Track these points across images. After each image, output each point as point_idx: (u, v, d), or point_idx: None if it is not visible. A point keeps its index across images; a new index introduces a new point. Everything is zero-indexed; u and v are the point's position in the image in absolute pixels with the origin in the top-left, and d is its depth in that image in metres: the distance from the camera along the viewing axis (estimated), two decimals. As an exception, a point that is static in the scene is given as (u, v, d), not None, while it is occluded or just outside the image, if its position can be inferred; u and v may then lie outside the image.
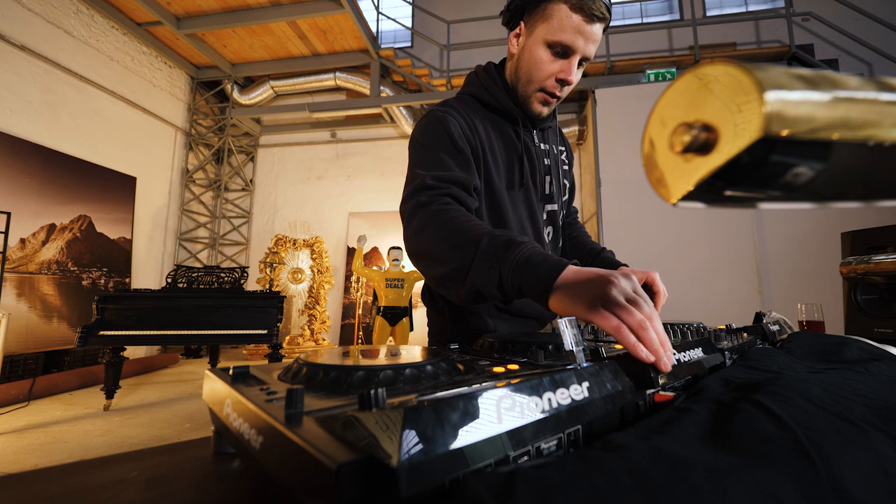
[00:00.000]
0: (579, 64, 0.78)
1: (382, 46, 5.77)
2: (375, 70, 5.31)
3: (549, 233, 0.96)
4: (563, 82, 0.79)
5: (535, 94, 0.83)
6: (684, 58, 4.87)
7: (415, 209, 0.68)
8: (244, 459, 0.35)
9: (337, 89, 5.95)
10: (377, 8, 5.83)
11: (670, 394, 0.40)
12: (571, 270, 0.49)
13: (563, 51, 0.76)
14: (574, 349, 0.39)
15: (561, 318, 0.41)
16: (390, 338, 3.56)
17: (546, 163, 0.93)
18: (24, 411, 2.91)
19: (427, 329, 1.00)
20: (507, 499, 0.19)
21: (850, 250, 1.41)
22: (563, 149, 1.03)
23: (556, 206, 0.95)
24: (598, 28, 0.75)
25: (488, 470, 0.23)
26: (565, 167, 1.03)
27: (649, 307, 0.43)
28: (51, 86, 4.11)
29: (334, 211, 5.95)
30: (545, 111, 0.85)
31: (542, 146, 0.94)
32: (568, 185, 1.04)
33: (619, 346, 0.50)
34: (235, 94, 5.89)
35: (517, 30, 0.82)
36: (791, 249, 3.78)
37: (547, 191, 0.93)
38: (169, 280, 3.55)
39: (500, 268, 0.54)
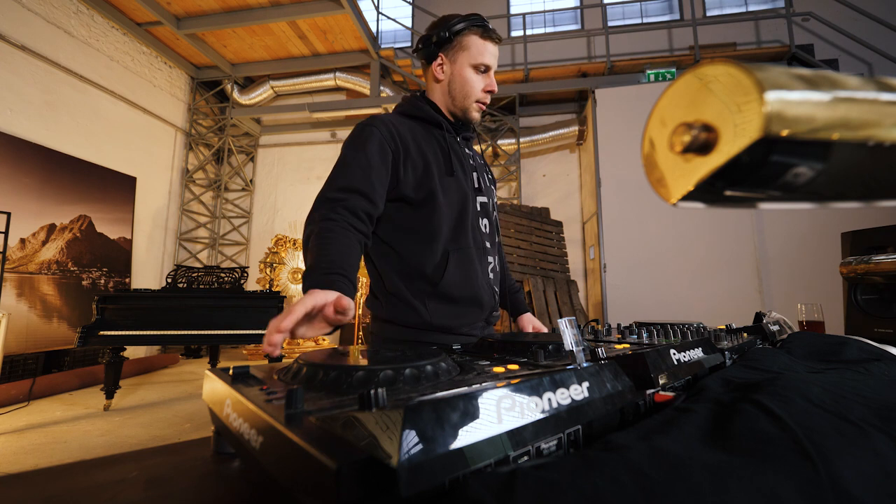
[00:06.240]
0: None
1: (382, 46, 5.77)
2: (375, 70, 5.31)
3: (485, 225, 1.07)
4: (489, 92, 1.04)
5: (472, 105, 1.04)
6: (684, 58, 4.87)
7: (312, 218, 0.89)
8: (244, 459, 0.35)
9: (337, 89, 5.95)
10: (377, 8, 5.83)
11: (670, 394, 0.40)
12: (310, 292, 0.77)
13: (485, 69, 1.02)
14: (574, 349, 0.39)
15: (561, 318, 0.42)
16: (390, 338, 3.55)
17: (471, 162, 1.09)
18: (24, 411, 2.91)
19: None
20: (507, 499, 0.19)
21: (850, 250, 1.42)
22: (482, 162, 1.20)
23: (486, 199, 1.09)
24: (498, 49, 1.04)
25: (488, 470, 0.23)
26: (490, 176, 1.18)
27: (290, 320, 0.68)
28: (51, 86, 4.11)
29: (334, 211, 5.95)
30: (479, 117, 1.08)
31: (466, 150, 1.10)
32: (494, 193, 1.19)
33: (619, 347, 0.51)
34: (235, 94, 5.88)
35: (438, 60, 1.03)
36: (791, 249, 3.78)
37: (476, 184, 1.08)
38: (169, 280, 3.55)
39: (307, 280, 0.81)
